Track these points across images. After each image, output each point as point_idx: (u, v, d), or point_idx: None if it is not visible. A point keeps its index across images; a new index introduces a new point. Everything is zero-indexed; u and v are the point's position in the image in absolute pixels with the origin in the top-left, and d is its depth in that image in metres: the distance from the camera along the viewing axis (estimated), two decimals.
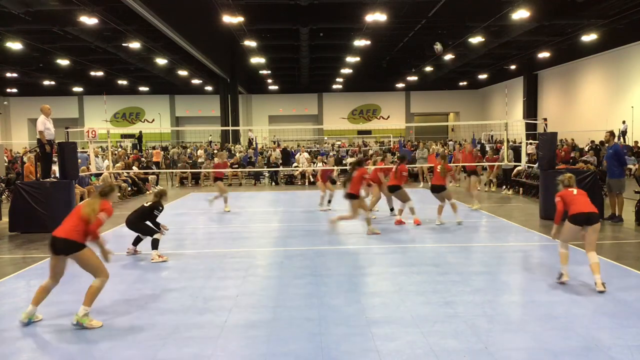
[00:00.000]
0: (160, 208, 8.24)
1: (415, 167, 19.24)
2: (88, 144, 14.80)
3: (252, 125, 47.42)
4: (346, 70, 38.27)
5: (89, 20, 20.79)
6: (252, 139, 30.05)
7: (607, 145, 11.29)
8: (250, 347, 4.73)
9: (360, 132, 46.99)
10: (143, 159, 25.13)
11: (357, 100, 50.07)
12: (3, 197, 15.82)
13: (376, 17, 21.41)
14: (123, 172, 17.50)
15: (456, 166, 14.87)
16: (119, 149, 29.37)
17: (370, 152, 25.89)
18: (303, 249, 8.77)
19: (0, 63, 32.72)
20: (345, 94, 49.15)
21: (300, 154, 22.97)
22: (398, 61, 39.17)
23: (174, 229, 9.68)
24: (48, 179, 11.24)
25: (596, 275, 6.10)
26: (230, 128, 36.56)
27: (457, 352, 4.51)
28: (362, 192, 9.95)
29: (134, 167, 19.95)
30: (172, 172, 22.67)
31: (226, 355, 4.57)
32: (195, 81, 42.39)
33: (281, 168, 21.28)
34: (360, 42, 27.23)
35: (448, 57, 32.64)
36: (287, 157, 23.08)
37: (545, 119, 14.83)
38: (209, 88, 45.11)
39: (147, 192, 17.71)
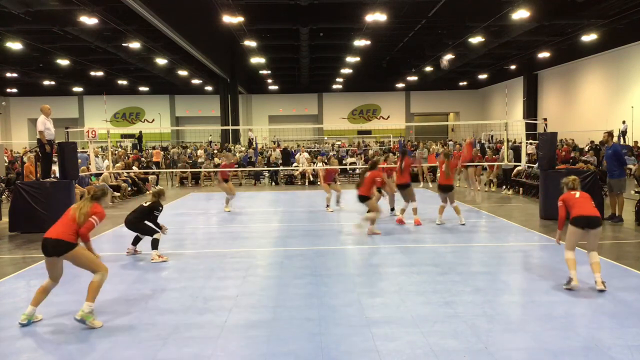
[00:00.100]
0: (160, 208, 8.24)
1: (416, 167, 19.23)
2: (88, 144, 14.81)
3: (252, 125, 47.41)
4: (346, 70, 38.27)
5: (89, 20, 20.78)
6: (252, 139, 30.05)
7: (606, 145, 11.28)
8: (250, 347, 4.73)
9: (360, 132, 46.98)
10: (143, 159, 25.14)
11: (357, 100, 50.07)
12: (3, 197, 15.82)
13: (376, 17, 21.40)
14: (123, 172, 17.50)
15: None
16: (119, 149, 29.37)
17: (370, 152, 25.91)
18: (303, 249, 8.77)
19: (0, 63, 32.72)
20: (345, 94, 49.15)
21: (300, 154, 22.98)
22: (398, 61, 39.17)
23: (174, 229, 9.68)
24: (48, 179, 11.24)
25: (596, 274, 6.10)
26: (230, 128, 36.56)
27: (457, 352, 4.51)
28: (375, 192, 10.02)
29: (134, 167, 19.95)
30: (172, 172, 22.68)
31: (226, 355, 4.57)
32: (195, 81, 42.39)
33: (281, 168, 21.29)
34: (360, 42, 27.23)
35: (448, 57, 32.63)
36: (287, 157, 23.09)
37: (545, 119, 14.83)
38: (209, 88, 45.11)
39: (147, 192, 17.70)
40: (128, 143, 39.04)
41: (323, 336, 4.89)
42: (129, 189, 17.09)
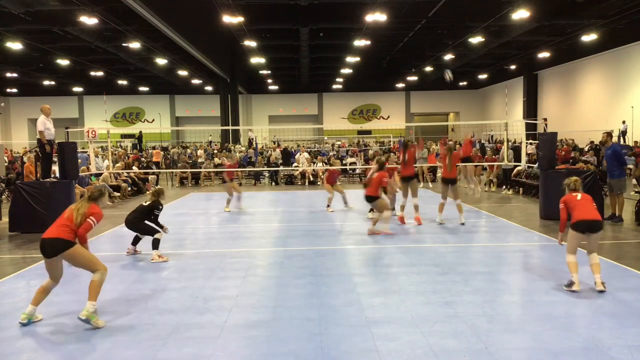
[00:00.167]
0: (160, 207, 8.23)
1: (416, 166, 19.23)
2: (88, 144, 14.81)
3: (252, 125, 47.42)
4: (346, 70, 38.27)
5: (89, 20, 20.79)
6: (252, 139, 30.05)
7: (605, 146, 11.28)
8: (250, 347, 4.73)
9: (360, 132, 46.99)
10: (143, 159, 25.14)
11: (357, 100, 50.07)
12: (3, 197, 15.83)
13: (376, 17, 21.41)
14: (123, 172, 17.50)
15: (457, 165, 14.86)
16: (119, 149, 29.37)
17: (371, 152, 25.90)
18: (303, 249, 8.77)
19: (0, 63, 32.72)
20: (345, 94, 49.15)
21: (300, 154, 22.98)
22: (398, 61, 39.16)
23: (174, 229, 9.67)
24: (48, 179, 11.24)
25: (596, 275, 6.10)
26: (230, 128, 36.56)
27: (457, 352, 4.51)
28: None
29: (134, 167, 19.95)
30: (172, 172, 22.68)
31: (226, 355, 4.57)
32: (195, 81, 42.40)
33: (281, 168, 21.29)
34: (360, 42, 27.24)
35: (448, 57, 32.65)
36: (288, 157, 23.09)
37: (545, 119, 14.84)
38: (209, 88, 45.12)
39: (147, 192, 17.69)
40: (128, 143, 39.05)
41: (323, 336, 4.89)
42: (129, 189, 17.09)
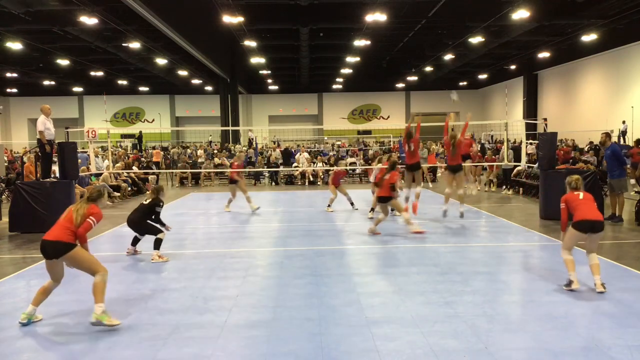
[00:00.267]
0: (161, 204, 8.22)
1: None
2: (88, 144, 14.81)
3: (252, 125, 47.42)
4: (346, 70, 38.26)
5: (89, 20, 20.79)
6: (252, 139, 30.06)
7: (604, 146, 11.29)
8: (250, 347, 4.73)
9: (360, 132, 46.98)
10: (143, 159, 25.14)
11: (357, 100, 50.05)
12: (3, 197, 15.83)
13: (376, 17, 21.41)
14: (123, 172, 17.50)
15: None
16: (119, 149, 29.38)
17: (371, 152, 25.91)
18: (303, 249, 8.77)
19: (0, 63, 32.71)
20: (345, 94, 49.14)
21: (300, 154, 22.98)
22: (398, 61, 39.15)
23: (174, 229, 9.66)
24: (48, 179, 11.24)
25: (596, 276, 6.08)
26: (230, 128, 36.56)
27: (457, 352, 4.51)
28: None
29: (134, 167, 19.95)
30: (172, 172, 22.69)
31: (226, 355, 4.57)
32: (195, 81, 42.40)
33: (281, 168, 21.29)
34: (360, 42, 27.23)
35: (448, 57, 32.65)
36: (288, 157, 23.09)
37: (545, 119, 14.85)
38: (209, 88, 45.12)
39: (147, 192, 17.70)
40: (128, 143, 39.04)
41: (323, 336, 4.89)
42: (129, 189, 17.09)
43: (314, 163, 21.87)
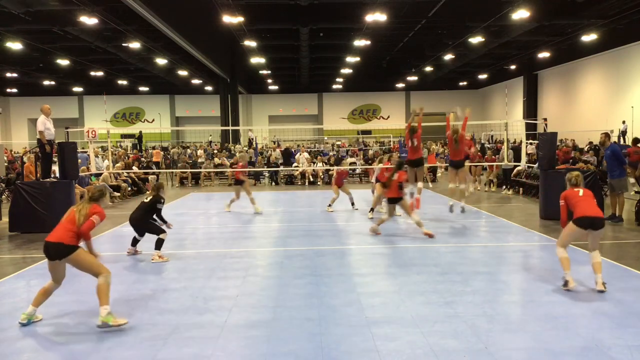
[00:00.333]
0: (162, 201, 8.22)
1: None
2: (88, 144, 14.81)
3: (252, 125, 47.42)
4: (346, 70, 38.27)
5: (89, 20, 20.79)
6: (252, 139, 30.06)
7: (604, 147, 11.29)
8: (250, 347, 4.73)
9: (360, 132, 46.96)
10: (143, 159, 25.14)
11: (357, 100, 50.06)
12: (3, 197, 15.82)
13: (376, 17, 21.41)
14: (123, 172, 17.50)
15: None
16: (119, 149, 29.38)
17: (371, 152, 25.90)
18: (303, 249, 8.77)
19: (0, 63, 32.72)
20: (345, 94, 49.14)
21: (300, 154, 22.98)
22: (398, 61, 39.15)
23: (174, 229, 9.66)
24: (48, 179, 11.24)
25: (597, 274, 6.05)
26: (230, 128, 36.56)
27: (457, 352, 4.51)
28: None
29: (134, 167, 19.95)
30: (172, 172, 22.69)
31: (226, 355, 4.57)
32: (195, 81, 42.40)
33: (281, 168, 21.29)
34: (360, 42, 27.23)
35: (448, 57, 32.65)
36: (289, 157, 23.08)
37: (545, 119, 14.85)
38: (209, 88, 45.13)
39: (147, 192, 17.70)
40: (128, 143, 39.04)
41: (323, 336, 4.89)
42: (129, 189, 17.09)
43: (314, 163, 21.87)
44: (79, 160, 13.96)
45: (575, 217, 6.08)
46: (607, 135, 11.29)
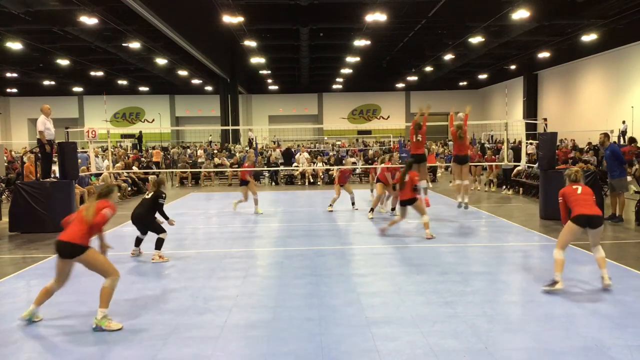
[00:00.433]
0: (163, 196, 8.21)
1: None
2: (88, 144, 14.81)
3: (252, 125, 47.42)
4: (346, 70, 38.26)
5: (89, 20, 20.79)
6: (252, 139, 30.06)
7: (603, 147, 11.29)
8: (250, 347, 4.73)
9: (360, 132, 46.97)
10: (143, 159, 25.14)
11: (357, 100, 50.05)
12: (3, 197, 15.82)
13: (376, 17, 21.40)
14: (123, 172, 17.50)
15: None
16: (119, 149, 29.37)
17: (371, 152, 25.89)
18: (303, 249, 8.77)
19: (0, 63, 32.71)
20: (345, 94, 49.14)
21: (300, 154, 22.97)
22: (398, 61, 39.15)
23: (174, 229, 9.67)
24: (48, 179, 11.24)
25: (603, 269, 6.01)
26: (230, 128, 36.56)
27: (457, 352, 4.51)
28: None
29: (134, 167, 19.96)
30: (172, 172, 22.69)
31: (226, 355, 4.57)
32: (195, 81, 42.40)
33: (281, 168, 21.29)
34: (360, 42, 27.22)
35: (448, 57, 32.64)
36: (290, 157, 23.08)
37: (545, 119, 14.84)
38: (209, 88, 45.12)
39: (147, 192, 17.71)
40: (128, 143, 39.04)
41: (323, 336, 4.89)
42: (129, 189, 17.09)
43: (314, 163, 21.86)
44: (79, 160, 13.96)
45: (573, 215, 6.05)
46: (606, 136, 11.29)
